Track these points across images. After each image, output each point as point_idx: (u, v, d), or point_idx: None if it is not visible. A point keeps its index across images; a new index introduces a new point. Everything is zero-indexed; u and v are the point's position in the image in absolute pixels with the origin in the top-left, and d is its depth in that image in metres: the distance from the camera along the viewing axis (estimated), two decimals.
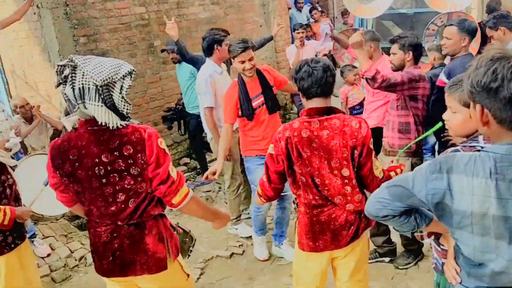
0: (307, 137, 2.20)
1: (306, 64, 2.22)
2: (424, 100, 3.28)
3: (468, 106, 1.33)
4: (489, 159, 1.23)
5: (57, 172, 1.98)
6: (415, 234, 1.73)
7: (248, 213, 4.51)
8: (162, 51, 5.35)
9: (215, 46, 3.93)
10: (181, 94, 5.46)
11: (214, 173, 3.36)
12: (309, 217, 2.32)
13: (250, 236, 4.15)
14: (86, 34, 4.84)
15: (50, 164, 2.00)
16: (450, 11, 5.35)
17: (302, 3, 8.68)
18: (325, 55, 7.53)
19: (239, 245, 4.06)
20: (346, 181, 2.21)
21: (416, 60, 3.32)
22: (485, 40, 4.76)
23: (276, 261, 3.78)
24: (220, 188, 5.41)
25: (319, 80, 2.18)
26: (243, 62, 3.34)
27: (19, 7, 4.40)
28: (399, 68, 3.36)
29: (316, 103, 2.23)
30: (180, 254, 2.19)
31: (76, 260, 3.93)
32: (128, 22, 5.24)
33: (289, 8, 8.24)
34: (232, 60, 3.40)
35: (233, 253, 3.96)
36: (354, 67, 5.07)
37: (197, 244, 2.55)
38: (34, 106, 4.80)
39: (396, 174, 2.39)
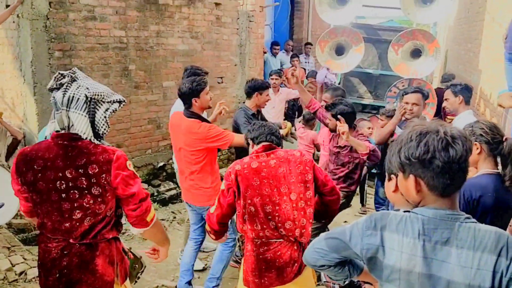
0: (257, 167, 2.43)
1: (259, 122, 2.68)
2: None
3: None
4: (417, 220, 1.36)
5: (19, 178, 2.01)
6: None
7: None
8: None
9: None
10: None
11: None
12: (256, 255, 2.45)
13: (199, 269, 4.17)
14: (62, 48, 4.87)
15: (14, 169, 2.02)
16: (412, 77, 5.77)
17: (278, 49, 9.04)
18: (294, 100, 7.82)
19: None
20: (294, 205, 2.42)
21: (349, 125, 3.60)
22: (440, 108, 5.12)
23: None
24: (174, 217, 5.41)
25: (270, 130, 2.56)
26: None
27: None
28: (335, 131, 3.72)
29: (263, 144, 2.54)
30: (128, 279, 2.22)
31: (16, 274, 3.79)
32: (106, 43, 5.32)
33: (265, 52, 8.55)
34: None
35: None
36: None
37: (143, 271, 2.57)
38: None
39: None
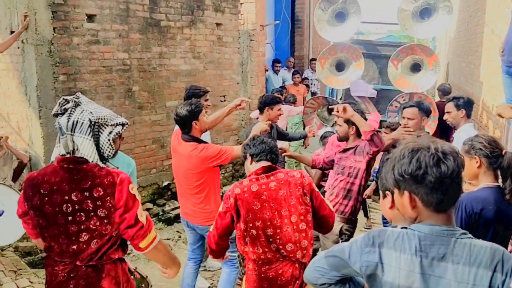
0: (257, 190, 2.42)
1: (259, 137, 2.64)
2: (370, 173, 3.61)
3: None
4: (414, 237, 1.37)
5: (26, 203, 2.05)
6: None
7: (205, 266, 4.54)
8: None
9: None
10: None
11: None
12: (258, 274, 2.46)
13: None
14: (66, 72, 4.96)
15: (22, 193, 2.07)
16: (412, 91, 5.81)
17: (279, 66, 9.14)
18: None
19: None
20: (295, 227, 2.43)
21: (358, 133, 3.57)
22: (443, 121, 5.12)
23: None
24: (179, 237, 5.42)
25: (270, 148, 2.55)
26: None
27: (4, 41, 4.52)
28: (343, 139, 3.67)
29: (263, 164, 2.53)
30: None
31: None
32: (110, 65, 5.41)
33: (266, 70, 8.64)
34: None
35: None
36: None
37: None
38: (2, 137, 4.80)
39: None
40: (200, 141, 3.37)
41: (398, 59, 5.87)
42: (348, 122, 3.55)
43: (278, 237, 2.41)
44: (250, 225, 2.42)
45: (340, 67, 6.26)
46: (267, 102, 4.32)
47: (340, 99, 6.74)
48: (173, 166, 3.60)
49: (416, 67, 5.92)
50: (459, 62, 10.45)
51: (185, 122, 3.32)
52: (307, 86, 9.12)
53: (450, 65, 12.09)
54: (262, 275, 2.44)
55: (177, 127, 4.19)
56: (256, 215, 2.40)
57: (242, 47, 7.41)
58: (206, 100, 4.17)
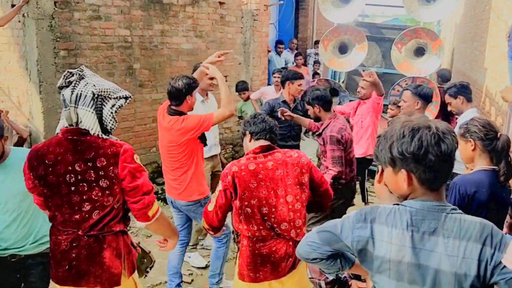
0: (254, 169, 2.43)
1: (260, 115, 2.64)
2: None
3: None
4: (406, 212, 1.40)
5: (31, 173, 2.08)
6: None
7: (202, 244, 4.58)
8: None
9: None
10: None
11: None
12: (251, 250, 2.48)
13: (202, 267, 4.20)
14: (67, 48, 4.93)
15: (26, 165, 2.09)
16: (415, 75, 5.77)
17: (282, 47, 9.06)
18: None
19: (189, 274, 4.08)
20: (290, 206, 2.45)
21: (325, 108, 3.72)
22: (445, 105, 5.11)
23: None
24: None
25: (270, 127, 2.56)
26: None
27: (5, 14, 4.48)
28: (316, 119, 3.88)
29: (261, 143, 2.54)
30: (136, 272, 2.26)
31: None
32: (111, 42, 5.37)
33: (269, 51, 8.57)
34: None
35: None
36: None
37: (153, 266, 2.60)
38: (2, 111, 4.79)
39: None
40: (183, 115, 3.30)
41: (402, 43, 5.82)
42: (309, 102, 3.77)
43: (273, 215, 2.43)
44: (246, 203, 2.43)
45: (343, 49, 6.21)
46: (289, 77, 4.53)
47: (343, 82, 6.70)
48: (158, 141, 3.53)
49: (420, 51, 5.87)
50: (464, 48, 10.34)
51: (180, 95, 3.25)
52: (317, 74, 9.06)
53: (456, 51, 11.97)
54: (256, 252, 2.47)
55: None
56: (252, 193, 2.42)
57: (245, 27, 7.33)
58: (211, 79, 4.12)
